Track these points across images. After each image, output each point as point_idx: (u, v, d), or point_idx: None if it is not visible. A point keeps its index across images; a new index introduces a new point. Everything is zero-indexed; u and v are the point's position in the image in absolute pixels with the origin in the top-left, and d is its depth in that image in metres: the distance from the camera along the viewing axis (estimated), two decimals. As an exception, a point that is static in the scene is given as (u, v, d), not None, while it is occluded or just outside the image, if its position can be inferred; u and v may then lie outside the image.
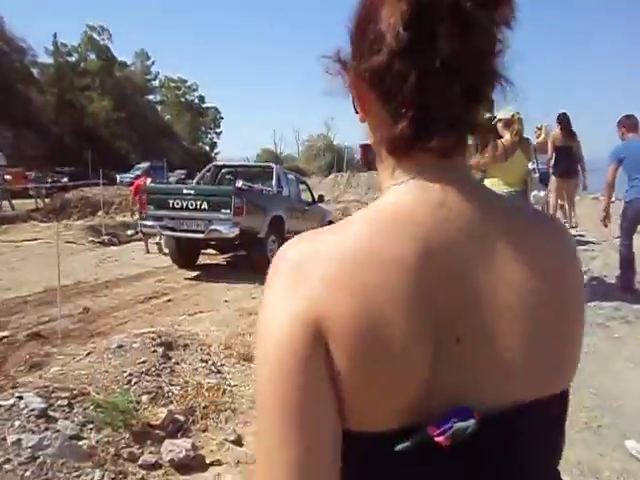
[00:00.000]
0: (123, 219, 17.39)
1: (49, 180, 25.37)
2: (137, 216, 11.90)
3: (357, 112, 0.70)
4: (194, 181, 11.12)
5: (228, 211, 7.94)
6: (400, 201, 0.62)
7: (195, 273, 8.71)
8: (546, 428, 0.64)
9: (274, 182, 9.60)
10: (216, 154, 70.06)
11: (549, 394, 0.62)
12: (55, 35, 43.82)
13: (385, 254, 0.57)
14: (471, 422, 0.55)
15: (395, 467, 0.58)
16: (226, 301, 6.53)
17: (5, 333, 5.07)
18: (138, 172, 29.77)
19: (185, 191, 8.48)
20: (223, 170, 11.00)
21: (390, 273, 0.56)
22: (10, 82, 35.09)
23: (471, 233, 0.60)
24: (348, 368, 0.55)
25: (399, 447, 0.56)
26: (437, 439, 0.55)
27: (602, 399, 3.46)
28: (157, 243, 10.58)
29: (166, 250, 9.55)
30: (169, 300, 6.77)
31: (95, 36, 47.33)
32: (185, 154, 53.41)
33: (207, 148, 68.19)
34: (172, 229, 8.36)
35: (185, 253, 9.14)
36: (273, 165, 10.62)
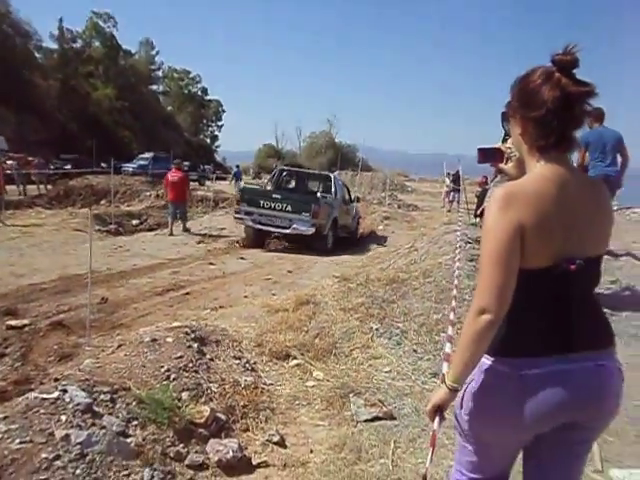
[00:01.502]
0: (128, 209, 17.23)
1: (52, 167, 25.16)
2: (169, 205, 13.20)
3: (504, 129, 1.69)
4: (267, 181, 13.84)
5: (308, 214, 10.42)
6: (544, 170, 1.42)
7: (211, 267, 8.62)
8: (598, 269, 1.48)
9: (333, 190, 12.11)
10: (217, 147, 69.88)
11: (600, 253, 1.46)
12: (61, 20, 43.41)
13: (542, 191, 1.38)
14: (581, 262, 1.37)
15: (546, 282, 1.39)
16: (246, 296, 6.43)
17: (26, 321, 4.96)
18: (141, 162, 29.60)
19: (274, 195, 11.00)
20: (284, 173, 13.62)
21: (545, 199, 1.36)
22: (14, 66, 34.70)
23: (572, 183, 1.41)
24: (530, 239, 1.34)
25: (556, 271, 1.36)
26: (571, 267, 1.36)
27: (648, 412, 3.39)
28: (185, 229, 12.55)
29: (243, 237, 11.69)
30: (187, 293, 6.67)
31: (100, 23, 46.96)
32: (186, 145, 53.17)
33: (208, 140, 67.93)
34: (260, 223, 10.72)
35: (259, 240, 11.42)
36: (332, 175, 13.25)
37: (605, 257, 5.70)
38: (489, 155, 1.72)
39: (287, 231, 10.55)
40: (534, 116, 1.40)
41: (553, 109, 1.36)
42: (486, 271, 1.36)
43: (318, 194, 11.10)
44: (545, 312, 1.41)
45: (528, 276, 1.36)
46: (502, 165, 1.70)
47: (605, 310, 4.66)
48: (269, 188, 12.77)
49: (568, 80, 1.36)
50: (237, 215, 11.25)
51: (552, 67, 1.39)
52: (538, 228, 1.34)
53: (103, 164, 17.90)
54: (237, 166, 30.74)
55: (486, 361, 1.45)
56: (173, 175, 12.55)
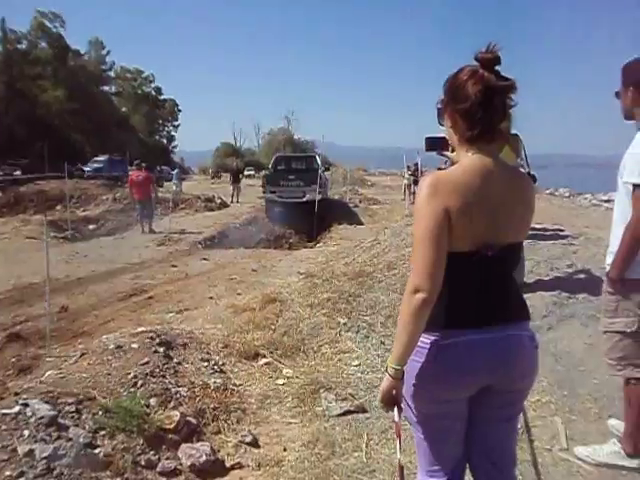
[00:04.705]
0: (84, 213, 16.77)
1: (0, 173, 24.22)
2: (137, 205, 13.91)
3: (440, 124, 1.68)
4: (270, 166, 17.78)
5: (315, 185, 14.49)
6: (471, 161, 1.54)
7: (173, 270, 8.47)
8: (517, 255, 1.66)
9: (320, 167, 16.11)
10: (174, 147, 68.70)
11: (519, 241, 1.64)
12: (3, 20, 41.63)
13: (467, 180, 1.50)
14: (498, 249, 1.50)
15: (468, 265, 1.51)
16: (211, 297, 6.35)
17: (-19, 334, 4.76)
18: (96, 165, 28.82)
19: (289, 177, 15.33)
20: (282, 159, 18.29)
21: (468, 188, 1.48)
22: (-45, 69, 33.14)
23: (495, 174, 1.53)
24: (454, 224, 1.45)
25: (476, 255, 1.49)
26: (489, 253, 1.50)
27: (608, 389, 3.50)
28: (150, 230, 13.02)
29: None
30: (150, 297, 6.54)
31: (47, 23, 45.31)
32: (142, 147, 51.95)
33: (165, 141, 66.69)
34: (282, 197, 15.04)
35: (276, 209, 15.20)
36: (315, 155, 18.98)
37: (561, 242, 5.81)
38: (436, 143, 1.87)
39: (303, 199, 14.52)
40: (461, 108, 1.53)
41: (477, 102, 1.48)
42: (418, 252, 1.47)
43: (319, 171, 15.12)
44: (464, 291, 1.55)
45: (451, 258, 1.48)
46: (447, 152, 1.79)
47: (563, 293, 4.82)
48: (272, 170, 16.78)
49: (491, 75, 1.50)
50: (265, 194, 15.41)
51: (478, 65, 1.52)
52: (460, 215, 1.46)
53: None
54: (177, 168, 30.68)
55: None
56: (137, 175, 13.32)
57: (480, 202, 1.49)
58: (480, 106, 1.49)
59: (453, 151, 1.74)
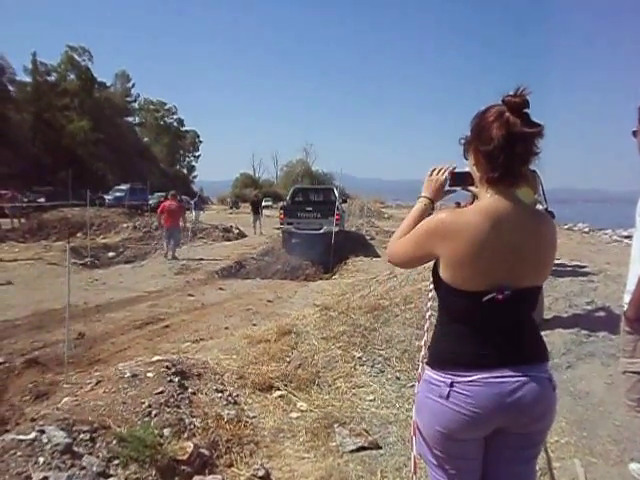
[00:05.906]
0: (104, 241, 17.01)
1: (25, 200, 24.80)
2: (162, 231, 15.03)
3: (466, 159, 1.67)
4: (287, 197, 17.41)
5: (332, 218, 14.32)
6: (489, 203, 1.55)
7: (189, 299, 8.52)
8: (534, 298, 1.62)
9: (337, 199, 15.83)
10: (194, 177, 69.85)
11: (537, 285, 1.60)
12: (34, 54, 43.34)
13: (478, 222, 1.50)
14: (509, 292, 1.50)
15: (480, 305, 1.51)
16: (226, 328, 6.36)
17: (0, 359, 4.82)
18: (117, 194, 29.43)
19: (307, 208, 15.18)
20: (300, 190, 18.15)
21: (474, 231, 1.49)
22: (-14, 99, 34.38)
23: (516, 217, 1.53)
24: (460, 263, 1.52)
25: (485, 298, 1.50)
26: (498, 297, 1.49)
27: (630, 431, 3.42)
28: (173, 257, 13.58)
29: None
30: (167, 326, 6.56)
31: (76, 57, 47.01)
32: (163, 176, 52.96)
33: (185, 171, 67.86)
34: (299, 228, 14.88)
35: (294, 243, 15.12)
36: (333, 187, 18.49)
37: (580, 279, 5.74)
38: (461, 178, 1.81)
39: (320, 231, 14.40)
40: (484, 150, 1.54)
41: (499, 146, 1.48)
42: (405, 242, 1.69)
43: (337, 203, 15.13)
44: (479, 331, 1.56)
45: (463, 297, 1.54)
46: (472, 188, 1.75)
47: (582, 331, 4.73)
48: (289, 201, 16.57)
49: (517, 120, 1.48)
50: (282, 225, 15.35)
51: (504, 107, 1.52)
52: (466, 255, 1.50)
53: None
54: (198, 196, 31.26)
55: (427, 372, 1.64)
56: (171, 204, 14.06)
57: (491, 244, 1.50)
58: (502, 150, 1.49)
59: (477, 186, 1.73)
